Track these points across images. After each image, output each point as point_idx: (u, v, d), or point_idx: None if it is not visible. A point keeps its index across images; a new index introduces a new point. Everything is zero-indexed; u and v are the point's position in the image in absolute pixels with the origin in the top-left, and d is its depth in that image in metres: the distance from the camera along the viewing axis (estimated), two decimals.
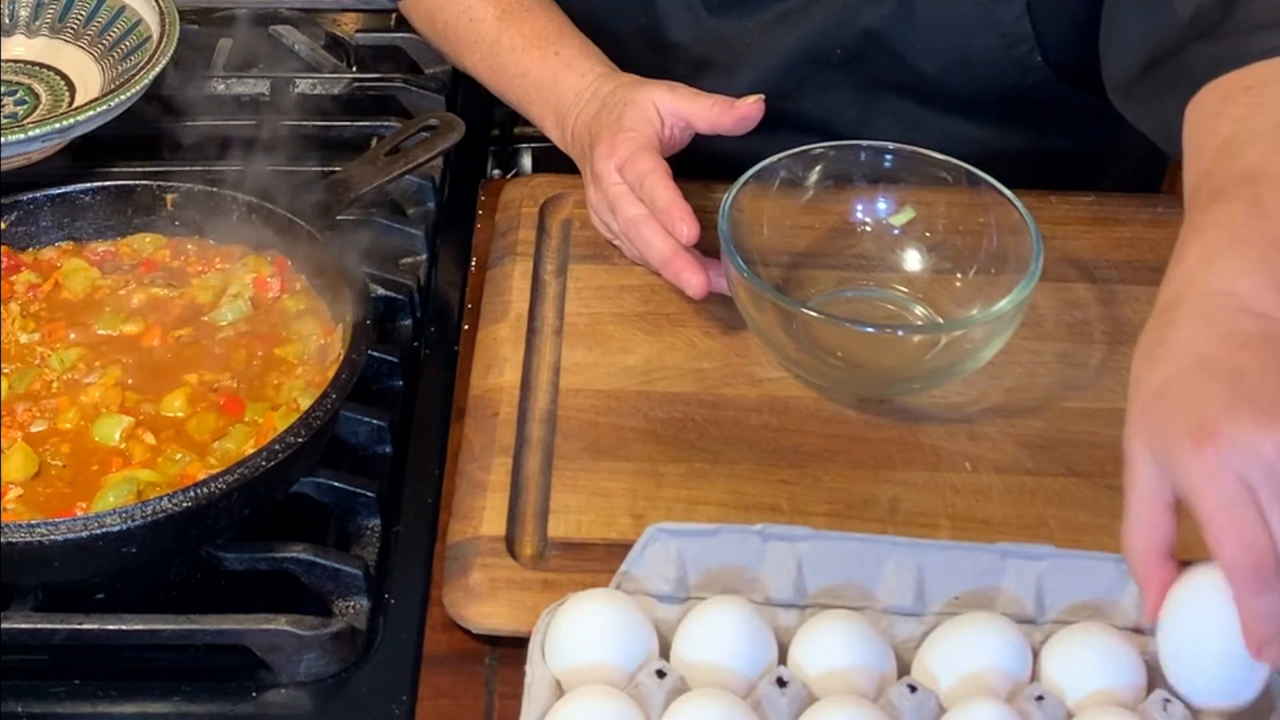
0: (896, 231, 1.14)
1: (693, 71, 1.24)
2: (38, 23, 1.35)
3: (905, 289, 1.13)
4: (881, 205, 1.15)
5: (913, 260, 1.14)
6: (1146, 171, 1.40)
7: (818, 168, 1.14)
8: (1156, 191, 1.40)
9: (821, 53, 1.23)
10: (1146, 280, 1.16)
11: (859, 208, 1.15)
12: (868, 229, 1.15)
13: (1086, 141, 1.29)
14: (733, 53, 1.25)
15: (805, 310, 1.03)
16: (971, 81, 1.21)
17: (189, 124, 1.28)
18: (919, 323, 1.12)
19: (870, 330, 1.04)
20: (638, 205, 1.10)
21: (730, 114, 1.11)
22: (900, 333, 1.09)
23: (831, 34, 1.22)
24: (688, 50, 1.27)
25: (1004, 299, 1.03)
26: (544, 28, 1.23)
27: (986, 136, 1.24)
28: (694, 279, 1.07)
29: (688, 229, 1.06)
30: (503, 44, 1.23)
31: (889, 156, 1.13)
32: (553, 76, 1.20)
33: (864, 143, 1.14)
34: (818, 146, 1.13)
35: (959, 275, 1.12)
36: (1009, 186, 1.09)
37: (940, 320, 1.11)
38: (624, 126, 1.12)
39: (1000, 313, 1.02)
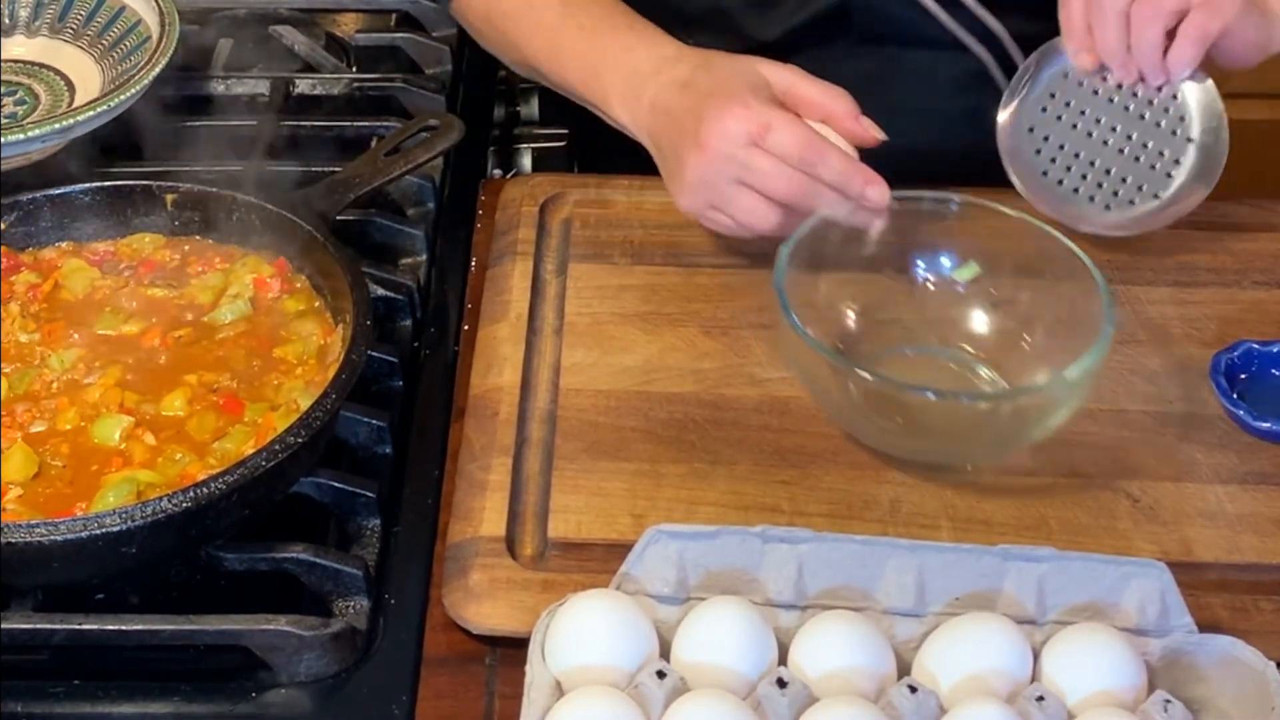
0: (960, 288, 1.09)
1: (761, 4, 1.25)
2: (37, 23, 1.35)
3: (970, 348, 1.08)
4: (945, 260, 1.10)
5: (977, 319, 1.09)
6: None
7: (879, 219, 1.08)
8: None
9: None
10: (1147, 281, 1.17)
11: (920, 263, 1.10)
12: (930, 284, 1.10)
13: None
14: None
15: (860, 372, 0.98)
16: None
17: (188, 124, 1.28)
18: (984, 386, 1.06)
19: (931, 396, 0.97)
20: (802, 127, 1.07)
21: (854, 120, 1.09)
22: (964, 400, 1.03)
23: None
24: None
25: (1073, 364, 0.97)
26: (612, 11, 1.21)
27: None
28: (875, 189, 1.05)
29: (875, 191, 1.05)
30: (568, 27, 1.21)
31: (954, 206, 1.08)
32: (626, 48, 1.17)
33: (928, 193, 1.09)
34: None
35: (1026, 337, 1.07)
36: None
37: (1005, 384, 1.06)
38: (742, 89, 1.08)
39: (1069, 380, 0.97)
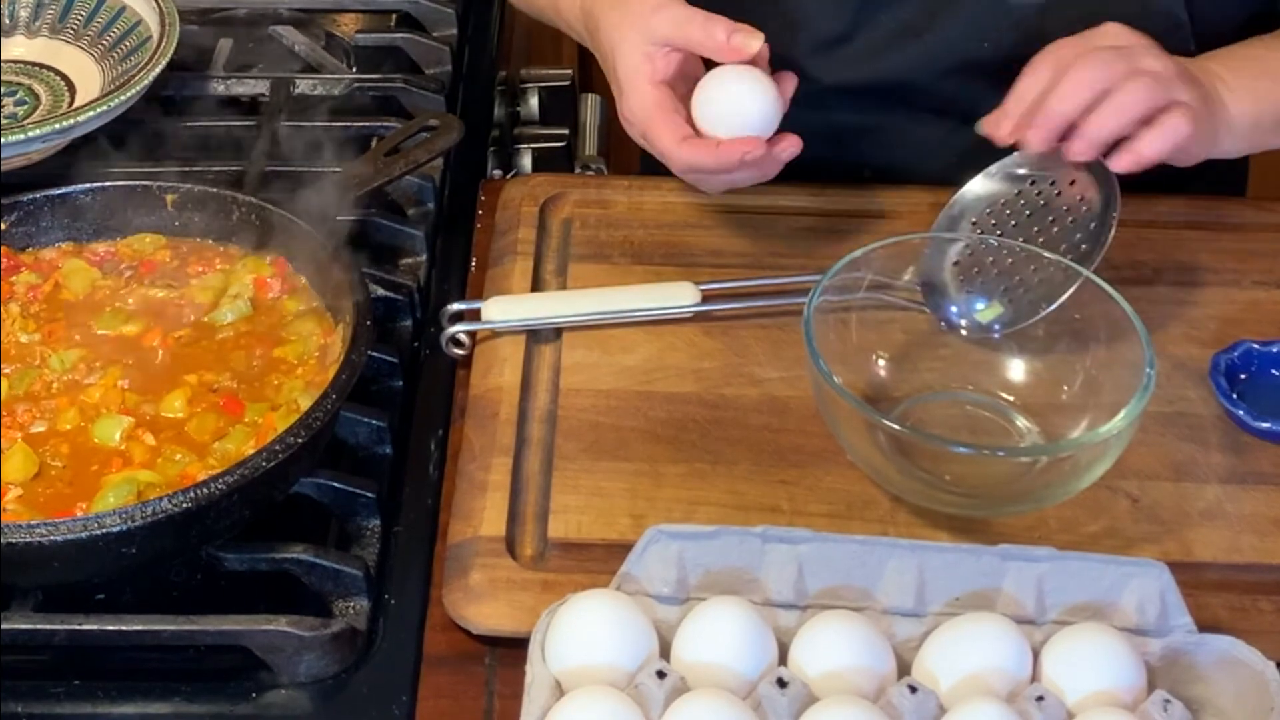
0: (996, 335, 1.07)
1: (827, 49, 1.23)
2: (38, 23, 1.35)
3: (1006, 395, 1.05)
4: (979, 305, 1.07)
5: (1014, 367, 1.06)
6: (1231, 175, 1.38)
7: (910, 265, 1.07)
8: (1240, 195, 1.38)
9: (970, 42, 1.21)
10: (1146, 280, 1.17)
11: (953, 308, 1.08)
12: (962, 329, 1.08)
13: None
14: (881, 38, 1.24)
15: (888, 423, 0.94)
16: None
17: (189, 124, 1.28)
18: (1023, 437, 1.03)
19: (965, 451, 0.95)
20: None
21: (726, 44, 1.08)
22: (1000, 453, 1.01)
23: (982, 23, 1.20)
24: (831, 30, 1.24)
25: (1112, 419, 0.95)
26: None
27: None
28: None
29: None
30: None
31: (988, 248, 1.07)
32: None
33: (959, 235, 1.08)
34: (914, 236, 1.08)
35: (1064, 386, 1.04)
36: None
37: (1037, 430, 1.03)
38: (632, 73, 1.09)
39: (1107, 434, 0.94)
